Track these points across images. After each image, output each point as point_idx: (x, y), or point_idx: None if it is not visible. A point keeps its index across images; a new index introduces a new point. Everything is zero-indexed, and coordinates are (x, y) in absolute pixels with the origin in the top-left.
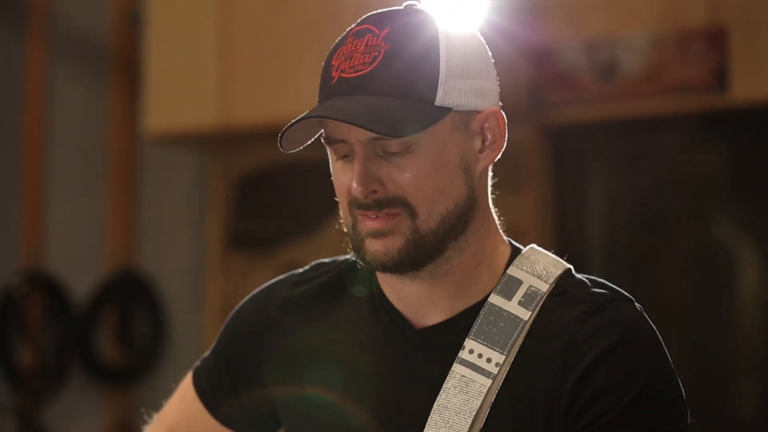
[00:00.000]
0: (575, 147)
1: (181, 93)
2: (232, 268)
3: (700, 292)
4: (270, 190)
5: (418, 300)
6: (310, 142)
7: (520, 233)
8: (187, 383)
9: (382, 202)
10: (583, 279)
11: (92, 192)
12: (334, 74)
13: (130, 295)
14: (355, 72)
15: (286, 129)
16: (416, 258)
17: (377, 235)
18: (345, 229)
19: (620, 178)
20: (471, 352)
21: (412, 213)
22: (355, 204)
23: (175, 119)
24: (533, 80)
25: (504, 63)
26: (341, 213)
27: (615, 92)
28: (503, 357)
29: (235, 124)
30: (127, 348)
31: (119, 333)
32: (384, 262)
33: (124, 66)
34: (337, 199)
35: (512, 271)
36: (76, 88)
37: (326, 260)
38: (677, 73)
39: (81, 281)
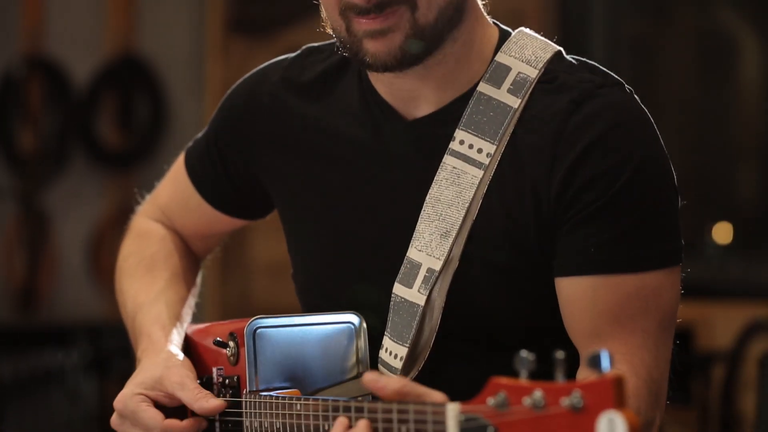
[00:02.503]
0: None
1: None
2: (232, 52)
3: (701, 77)
4: None
5: (409, 92)
6: None
7: (522, 17)
8: (179, 164)
9: (383, 3)
10: (573, 61)
11: None
12: None
13: (131, 79)
14: None
15: None
16: (418, 53)
17: (376, 35)
18: (332, 32)
19: None
20: (461, 143)
21: (413, 6)
22: (352, 9)
23: None
24: None
25: None
26: (325, 15)
27: None
28: (494, 147)
29: None
30: (127, 132)
31: (119, 117)
32: (386, 61)
33: None
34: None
35: (500, 57)
36: None
37: (318, 45)
38: None
39: (81, 65)
